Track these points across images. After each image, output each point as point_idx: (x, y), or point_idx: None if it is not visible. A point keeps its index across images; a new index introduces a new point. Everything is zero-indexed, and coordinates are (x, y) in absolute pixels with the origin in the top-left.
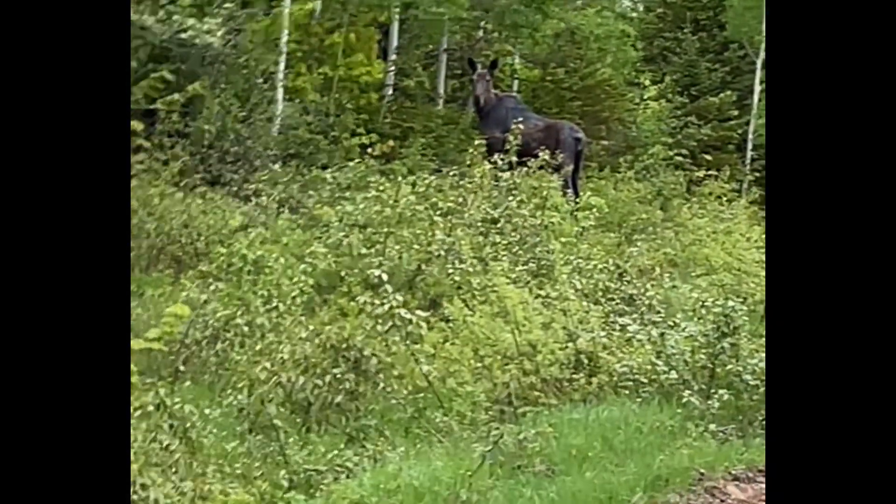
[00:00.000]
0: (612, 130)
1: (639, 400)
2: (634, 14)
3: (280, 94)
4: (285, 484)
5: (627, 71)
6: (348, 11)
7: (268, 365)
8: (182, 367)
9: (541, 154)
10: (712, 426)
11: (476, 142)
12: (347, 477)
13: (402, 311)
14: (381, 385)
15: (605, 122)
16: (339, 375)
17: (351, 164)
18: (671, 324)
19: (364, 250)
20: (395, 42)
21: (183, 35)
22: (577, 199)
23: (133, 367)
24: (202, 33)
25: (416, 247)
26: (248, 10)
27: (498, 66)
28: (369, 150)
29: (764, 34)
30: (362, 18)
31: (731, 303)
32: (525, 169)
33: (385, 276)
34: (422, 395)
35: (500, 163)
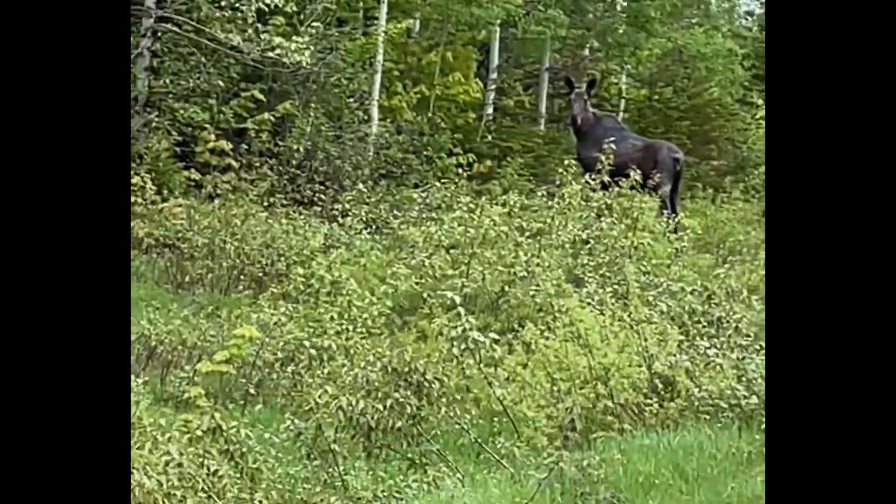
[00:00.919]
0: (721, 150)
1: (718, 425)
2: (748, 33)
3: (375, 113)
4: None
5: (735, 90)
6: (446, 30)
7: (329, 388)
8: (252, 391)
9: (631, 174)
10: None
11: (565, 162)
12: None
13: (476, 334)
14: (444, 409)
15: (715, 141)
16: (400, 399)
17: (437, 184)
18: (757, 347)
19: (449, 271)
20: (495, 61)
21: (270, 54)
22: (676, 220)
23: (200, 391)
24: (290, 52)
25: (499, 268)
26: (340, 29)
27: (596, 85)
28: (460, 169)
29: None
30: (461, 37)
31: None
32: (617, 189)
33: (458, 299)
34: (484, 420)
35: (591, 183)
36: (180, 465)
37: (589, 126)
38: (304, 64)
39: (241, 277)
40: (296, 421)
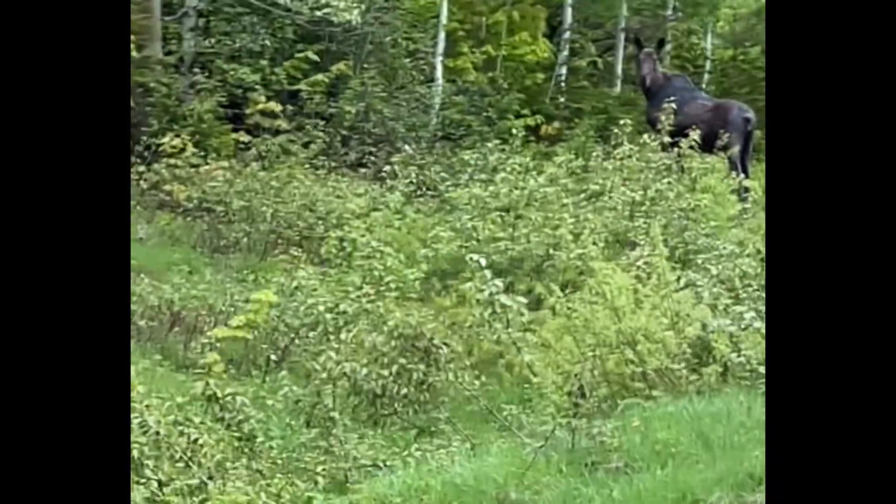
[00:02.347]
0: None
1: (760, 392)
2: None
3: (439, 73)
4: (320, 481)
5: None
6: None
7: (332, 355)
8: (276, 357)
9: (691, 133)
10: None
11: (621, 122)
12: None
13: (503, 298)
14: (451, 376)
15: None
16: (407, 365)
17: (490, 145)
18: None
19: (497, 233)
20: (568, 20)
21: (319, 13)
22: (739, 181)
23: (216, 357)
24: (339, 11)
25: (546, 230)
26: None
27: (665, 45)
28: (527, 131)
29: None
30: None
31: None
32: (677, 150)
33: (483, 262)
34: (517, 386)
35: (650, 143)
36: (157, 433)
37: (658, 86)
38: (353, 23)
39: (279, 241)
40: (294, 388)
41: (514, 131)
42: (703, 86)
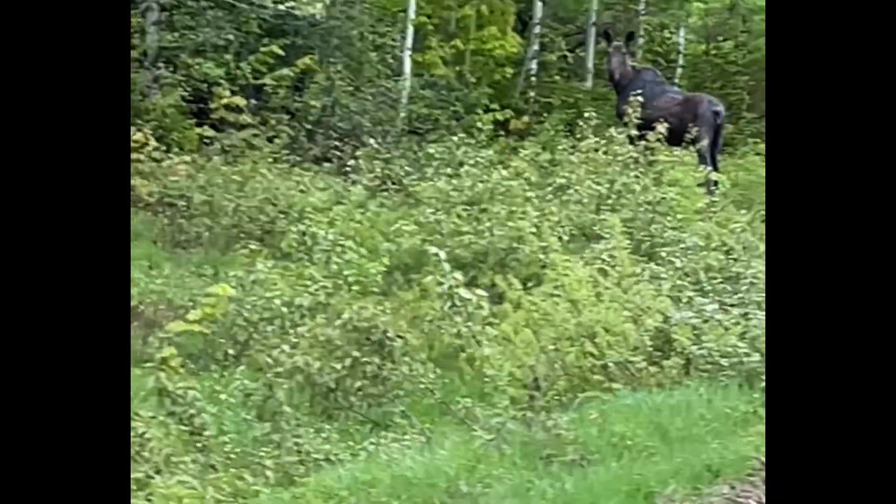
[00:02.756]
0: None
1: (722, 384)
2: None
3: (407, 67)
4: (270, 475)
5: None
6: None
7: (286, 348)
8: (234, 351)
9: (658, 127)
10: None
11: (586, 114)
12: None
13: (462, 291)
14: (406, 368)
15: None
16: (360, 358)
17: (455, 139)
18: None
19: (461, 227)
20: (538, 14)
21: (282, 6)
22: (707, 173)
23: (172, 351)
24: (303, 5)
25: (510, 224)
26: None
27: (635, 38)
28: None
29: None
30: None
31: None
32: (644, 143)
33: (443, 255)
34: (478, 380)
35: (616, 136)
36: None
37: (627, 80)
38: (317, 16)
39: (241, 236)
40: (246, 382)
41: (479, 125)
42: (676, 80)
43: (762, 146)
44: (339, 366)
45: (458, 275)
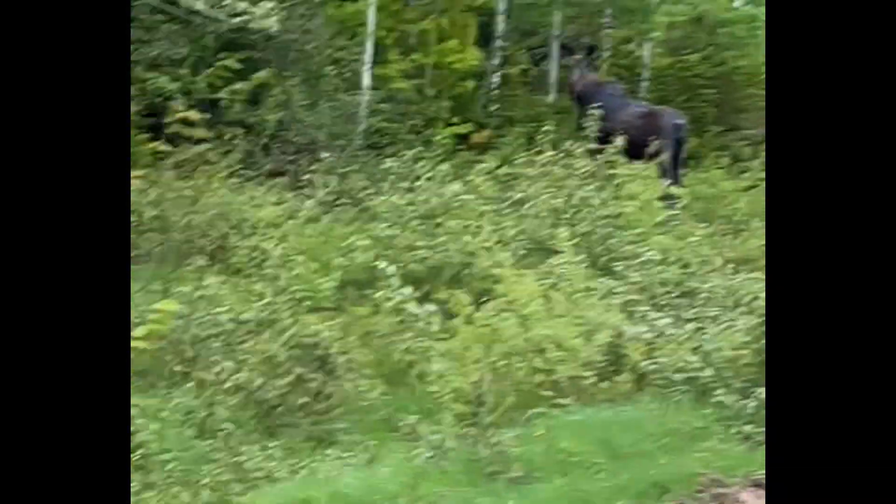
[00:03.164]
0: (752, 120)
1: (675, 400)
2: None
3: (366, 81)
4: (205, 494)
5: (760, 56)
6: None
7: (228, 365)
8: (180, 368)
9: (618, 140)
10: (748, 427)
11: (544, 128)
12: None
13: (411, 307)
14: (349, 384)
15: (745, 110)
16: (303, 374)
17: (408, 153)
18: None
19: (416, 242)
20: (500, 28)
21: (236, 20)
22: (666, 187)
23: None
24: (257, 18)
25: (465, 238)
26: None
27: (596, 51)
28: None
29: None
30: (458, 3)
31: None
32: (600, 156)
33: (392, 269)
34: (425, 396)
35: (572, 150)
36: None
37: (589, 93)
38: (272, 30)
39: (193, 251)
40: (184, 399)
41: (436, 138)
42: (643, 94)
43: (725, 160)
44: (281, 382)
45: (409, 290)
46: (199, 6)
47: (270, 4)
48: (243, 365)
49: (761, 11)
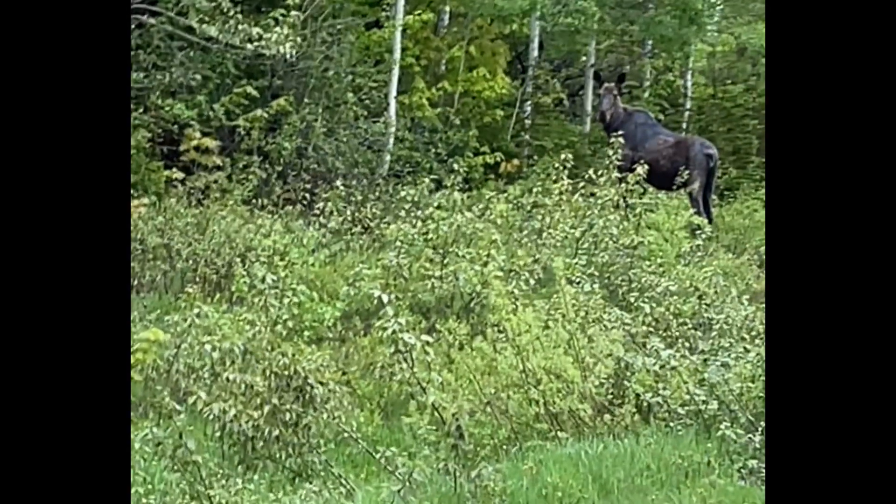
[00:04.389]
0: None
1: (677, 432)
2: None
3: (392, 109)
4: None
5: None
6: (472, 24)
7: (203, 395)
8: (168, 398)
9: (639, 169)
10: (752, 462)
11: (562, 156)
12: None
13: (407, 336)
14: (327, 416)
15: None
16: (279, 405)
17: (427, 180)
18: (743, 349)
19: (430, 271)
20: (533, 56)
21: (250, 46)
22: (688, 217)
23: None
24: (271, 43)
25: (476, 268)
26: (342, 21)
27: (625, 80)
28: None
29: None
30: (489, 31)
31: None
32: (624, 185)
33: (385, 298)
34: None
35: (595, 178)
36: None
37: (619, 122)
38: (287, 56)
39: (198, 280)
40: (153, 429)
41: (458, 167)
42: (684, 124)
43: (762, 191)
44: (256, 413)
45: (404, 320)
46: (213, 32)
47: (286, 30)
48: (222, 395)
49: None
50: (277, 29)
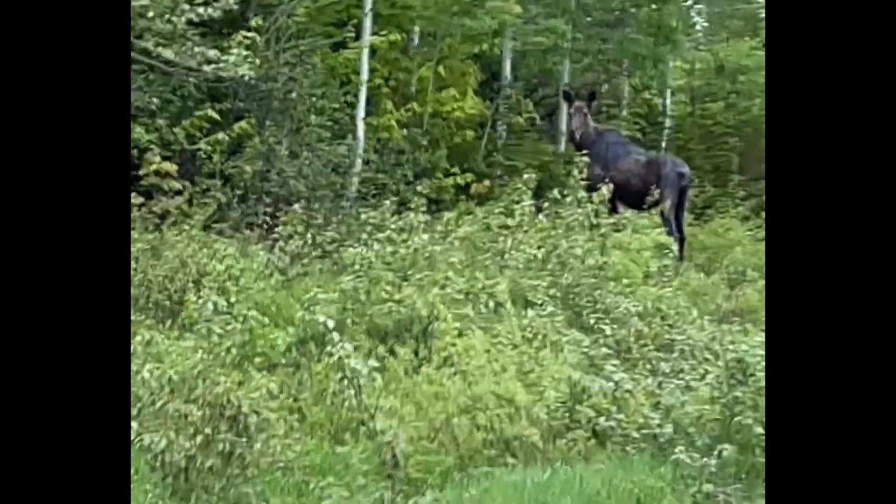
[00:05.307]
0: None
1: (632, 458)
2: None
3: (360, 131)
4: None
5: None
6: (441, 44)
7: (134, 425)
8: None
9: (603, 189)
10: (707, 487)
11: (525, 176)
12: None
13: (353, 362)
14: (260, 445)
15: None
16: (211, 435)
17: (386, 202)
18: (701, 372)
19: (390, 295)
20: (506, 76)
21: (207, 68)
22: (681, 239)
23: None
24: (230, 65)
25: (434, 291)
26: (305, 42)
27: (596, 98)
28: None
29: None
30: (459, 51)
31: (744, 346)
32: (590, 206)
33: (331, 323)
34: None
35: (559, 198)
36: None
37: (589, 141)
38: (247, 78)
39: (149, 307)
40: None
41: (422, 189)
42: (663, 142)
43: (742, 209)
44: (189, 444)
45: (350, 345)
46: (170, 55)
47: (244, 52)
48: (156, 425)
49: None
50: (235, 51)
